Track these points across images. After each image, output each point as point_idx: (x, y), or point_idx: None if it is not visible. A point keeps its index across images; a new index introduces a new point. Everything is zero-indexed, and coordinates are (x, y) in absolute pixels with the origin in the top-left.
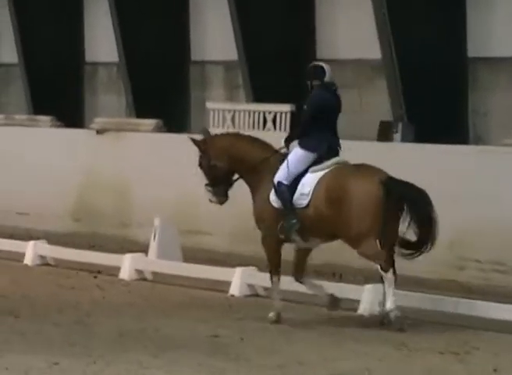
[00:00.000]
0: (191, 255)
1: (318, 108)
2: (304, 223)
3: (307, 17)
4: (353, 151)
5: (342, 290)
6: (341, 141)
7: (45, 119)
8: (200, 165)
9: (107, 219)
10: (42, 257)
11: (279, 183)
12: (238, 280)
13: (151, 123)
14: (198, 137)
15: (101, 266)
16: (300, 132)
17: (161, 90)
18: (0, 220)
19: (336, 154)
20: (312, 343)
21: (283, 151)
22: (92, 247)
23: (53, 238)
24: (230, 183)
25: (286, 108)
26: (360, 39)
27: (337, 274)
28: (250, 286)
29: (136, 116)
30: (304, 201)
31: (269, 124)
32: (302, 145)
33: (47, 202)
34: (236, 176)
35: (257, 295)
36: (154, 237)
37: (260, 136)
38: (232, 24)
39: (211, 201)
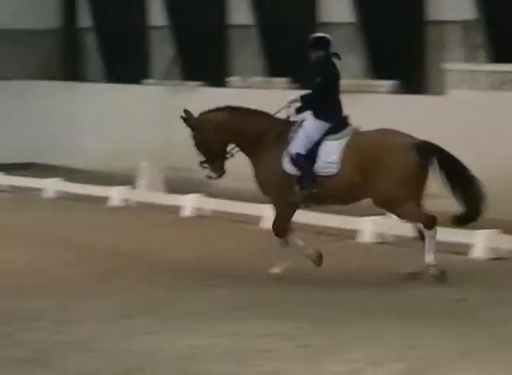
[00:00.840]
0: None
1: (331, 81)
2: (328, 190)
3: None
4: None
5: None
6: None
7: (281, 81)
8: (197, 144)
9: None
10: None
11: (298, 154)
12: (481, 243)
13: (388, 84)
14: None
15: (341, 229)
16: (313, 103)
17: (399, 50)
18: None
19: (347, 122)
20: None
21: (291, 118)
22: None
23: None
24: (226, 157)
25: None
26: None
27: None
28: (494, 249)
29: (374, 77)
30: (332, 170)
31: (509, 85)
32: (317, 116)
33: None
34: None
35: (501, 259)
36: None
37: (498, 97)
38: None
39: (209, 177)
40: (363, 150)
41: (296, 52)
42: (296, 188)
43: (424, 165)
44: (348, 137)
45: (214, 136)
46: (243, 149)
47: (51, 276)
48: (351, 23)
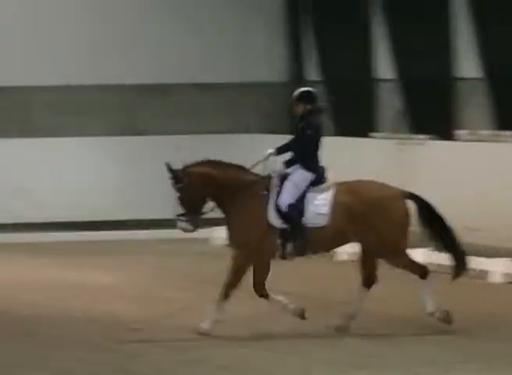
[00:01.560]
0: None
1: (320, 134)
2: (314, 240)
3: None
4: None
5: None
6: None
7: (510, 134)
8: (180, 196)
9: None
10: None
11: (291, 205)
12: None
13: None
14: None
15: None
16: (304, 155)
17: None
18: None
19: (325, 173)
20: None
21: (274, 174)
22: None
23: None
24: (203, 211)
25: None
26: None
27: None
28: None
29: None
30: (322, 221)
31: None
32: (307, 167)
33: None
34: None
35: None
36: None
37: None
38: None
39: (185, 230)
40: (355, 199)
41: None
42: (279, 241)
43: (410, 214)
44: (334, 188)
45: (198, 189)
46: (220, 203)
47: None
48: None
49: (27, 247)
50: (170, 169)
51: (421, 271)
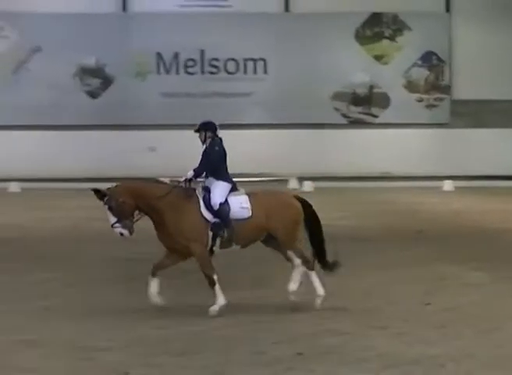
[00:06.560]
0: None
1: (222, 155)
2: (240, 233)
3: None
4: None
5: None
6: None
7: None
8: (110, 207)
9: None
10: None
11: (221, 203)
12: None
13: None
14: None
15: None
16: (208, 170)
17: None
18: None
19: (236, 185)
20: None
21: (181, 184)
22: None
23: None
24: (134, 219)
25: None
26: None
27: None
28: None
29: None
30: (246, 213)
31: None
32: (221, 179)
33: None
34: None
35: None
36: None
37: None
38: None
39: (122, 234)
40: (266, 202)
41: None
42: (210, 233)
43: (302, 214)
44: (246, 195)
45: (124, 198)
46: (145, 212)
47: None
48: None
49: None
50: (94, 190)
51: (310, 262)
